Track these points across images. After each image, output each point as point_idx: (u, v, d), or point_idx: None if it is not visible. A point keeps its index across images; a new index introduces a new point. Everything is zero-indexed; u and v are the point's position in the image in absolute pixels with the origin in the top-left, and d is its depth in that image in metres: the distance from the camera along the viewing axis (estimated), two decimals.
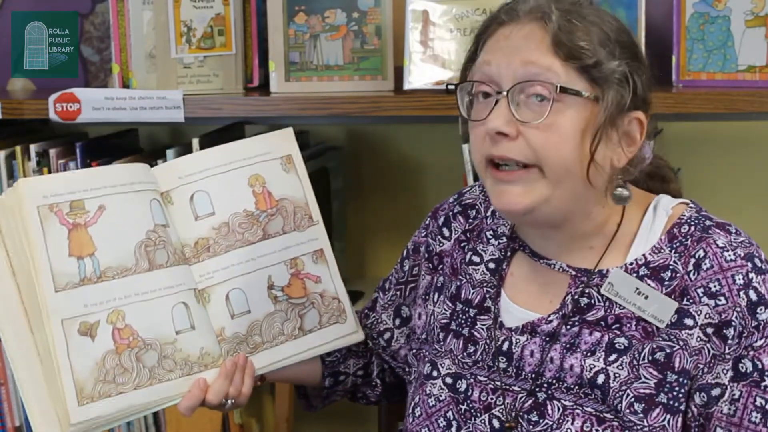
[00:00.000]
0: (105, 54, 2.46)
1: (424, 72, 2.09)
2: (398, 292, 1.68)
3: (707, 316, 1.36)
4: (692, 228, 1.40)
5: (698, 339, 1.36)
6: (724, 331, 1.36)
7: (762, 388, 1.35)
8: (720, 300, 1.36)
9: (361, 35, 2.16)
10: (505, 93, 1.36)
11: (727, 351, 1.36)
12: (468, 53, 1.46)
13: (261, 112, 2.15)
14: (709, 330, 1.36)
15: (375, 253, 2.47)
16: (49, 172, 2.19)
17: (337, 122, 2.44)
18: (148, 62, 2.19)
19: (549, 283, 1.46)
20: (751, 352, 1.35)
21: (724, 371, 1.36)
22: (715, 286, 1.36)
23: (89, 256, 1.45)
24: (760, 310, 1.35)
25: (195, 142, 2.14)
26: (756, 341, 1.35)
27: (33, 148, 2.23)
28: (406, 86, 2.10)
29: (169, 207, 1.54)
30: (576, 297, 1.43)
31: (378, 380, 1.74)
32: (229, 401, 1.50)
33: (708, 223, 1.41)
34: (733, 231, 1.41)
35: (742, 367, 1.36)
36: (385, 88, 2.17)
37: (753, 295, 1.36)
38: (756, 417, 1.35)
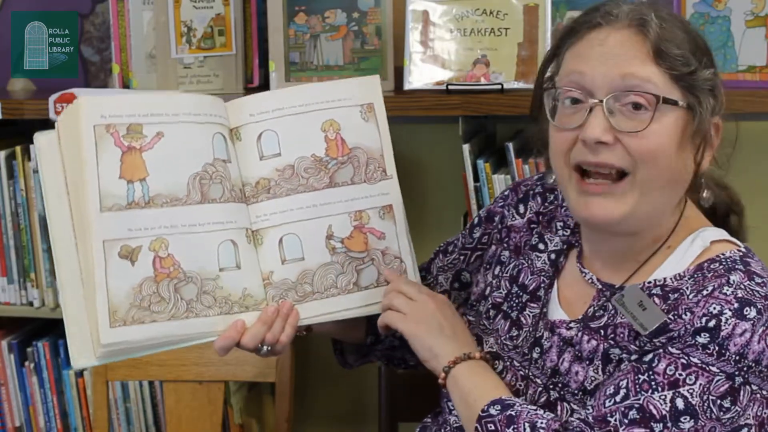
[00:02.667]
0: (105, 54, 2.46)
1: (424, 72, 2.09)
2: (462, 257, 1.67)
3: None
4: (720, 267, 1.36)
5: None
6: (661, 335, 1.34)
7: (636, 376, 1.32)
8: (686, 315, 1.32)
9: (361, 35, 2.16)
10: (601, 101, 1.35)
11: (648, 347, 1.35)
12: (549, 52, 1.46)
13: None
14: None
15: None
16: None
17: None
18: (148, 62, 2.19)
19: (585, 290, 1.47)
20: (661, 351, 1.33)
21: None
22: (694, 306, 1.32)
23: (140, 181, 1.43)
24: (704, 335, 1.30)
25: None
26: (674, 348, 1.32)
27: (33, 148, 2.23)
28: (406, 86, 2.10)
29: (237, 144, 1.51)
30: (596, 310, 1.43)
31: None
32: (265, 347, 1.48)
33: (739, 267, 1.35)
34: (757, 280, 1.34)
35: (646, 357, 1.34)
36: (385, 88, 2.16)
37: (711, 324, 1.30)
38: (610, 389, 1.33)
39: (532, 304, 1.51)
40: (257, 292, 1.48)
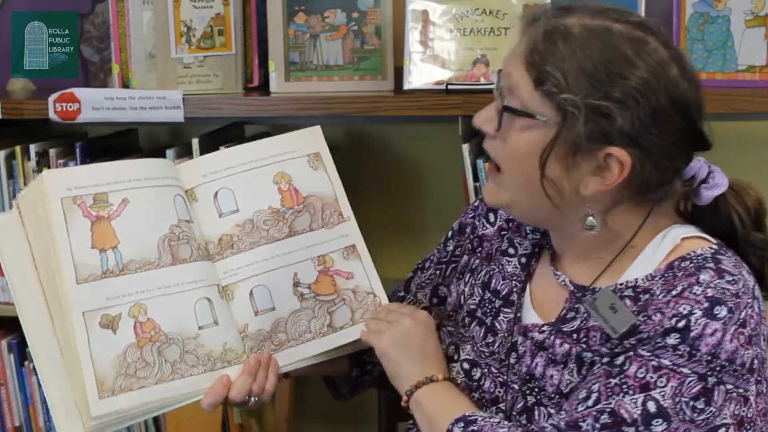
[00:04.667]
0: (105, 54, 2.46)
1: (423, 72, 2.09)
2: (438, 272, 1.68)
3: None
4: (691, 264, 1.34)
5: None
6: (631, 336, 1.33)
7: (607, 380, 1.32)
8: (656, 316, 1.31)
9: (361, 35, 2.16)
10: (496, 86, 1.40)
11: (618, 349, 1.34)
12: None
13: (261, 112, 2.15)
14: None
15: (375, 252, 2.45)
16: None
17: (336, 122, 2.43)
18: (148, 62, 2.19)
19: (557, 292, 1.47)
20: (632, 353, 1.31)
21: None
22: (664, 307, 1.31)
23: (112, 249, 1.45)
24: (674, 336, 1.29)
25: (195, 142, 2.14)
26: (644, 351, 1.31)
27: (33, 148, 2.23)
28: (406, 86, 2.10)
29: (194, 204, 1.54)
30: (567, 312, 1.43)
31: None
32: (253, 398, 1.49)
33: (709, 264, 1.33)
34: (728, 278, 1.31)
35: (617, 360, 1.33)
36: (385, 88, 2.17)
37: (680, 325, 1.28)
38: (582, 394, 1.33)
39: (505, 309, 1.50)
40: (237, 345, 1.50)
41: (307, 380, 2.42)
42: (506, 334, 1.48)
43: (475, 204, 1.66)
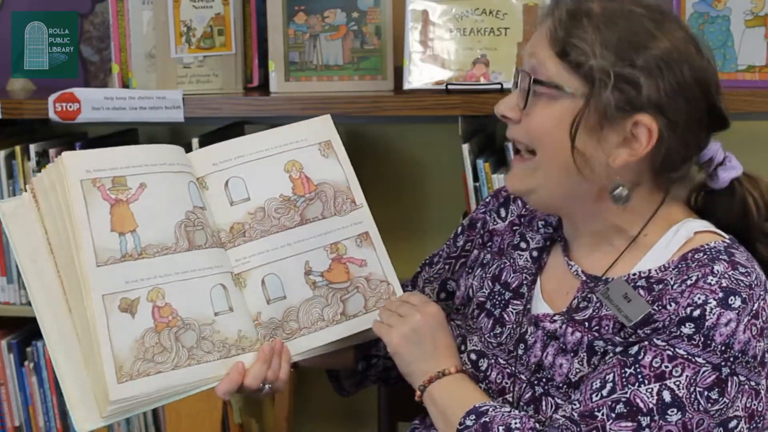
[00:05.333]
0: (105, 54, 2.46)
1: (423, 72, 2.09)
2: (447, 266, 1.69)
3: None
4: (704, 256, 1.36)
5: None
6: (646, 326, 1.34)
7: (623, 370, 1.33)
8: (671, 306, 1.32)
9: (360, 35, 2.16)
10: (514, 81, 1.43)
11: (633, 338, 1.35)
12: None
13: (261, 112, 2.15)
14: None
15: None
16: None
17: (337, 122, 2.43)
18: (148, 62, 2.19)
19: (569, 282, 1.48)
20: (646, 343, 1.33)
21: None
22: (679, 296, 1.32)
23: (131, 233, 1.45)
24: (689, 325, 1.30)
25: (195, 142, 2.14)
26: (659, 340, 1.32)
27: (32, 148, 2.23)
28: (406, 86, 2.10)
29: (205, 192, 1.53)
30: (579, 302, 1.43)
31: None
32: (267, 386, 1.49)
33: (723, 257, 1.35)
34: (741, 270, 1.34)
35: (632, 350, 1.34)
36: (384, 88, 2.17)
37: (695, 314, 1.30)
38: (596, 383, 1.34)
39: (515, 302, 1.52)
40: (251, 333, 1.50)
41: (308, 379, 2.42)
42: (515, 326, 1.49)
43: (487, 199, 1.67)
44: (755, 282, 1.34)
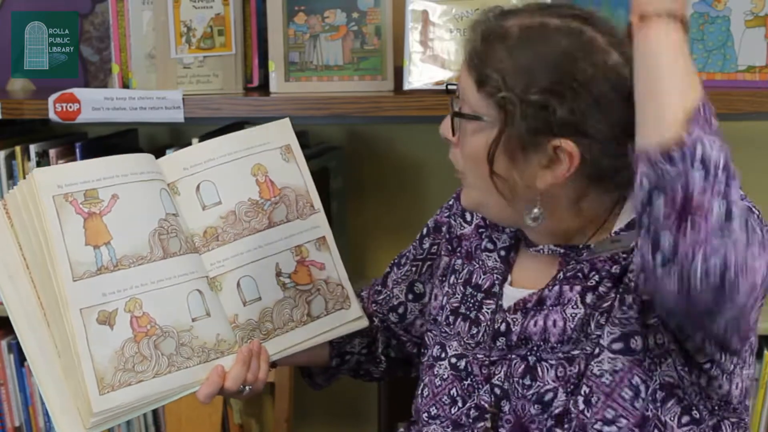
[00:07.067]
0: (105, 54, 2.46)
1: (423, 72, 2.09)
2: (414, 268, 1.70)
3: None
4: None
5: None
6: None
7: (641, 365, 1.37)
8: None
9: (360, 35, 2.16)
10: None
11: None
12: None
13: (261, 112, 2.15)
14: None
15: (375, 252, 2.47)
16: None
17: (337, 122, 2.44)
18: (148, 62, 2.19)
19: (545, 267, 1.48)
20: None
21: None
22: None
23: (105, 245, 1.45)
24: None
25: (195, 142, 2.14)
26: None
27: (33, 148, 2.23)
28: (406, 86, 2.10)
29: (176, 198, 1.54)
30: (566, 272, 1.44)
31: (382, 357, 1.75)
32: (247, 387, 1.51)
33: None
34: None
35: (633, 343, 1.36)
36: (384, 88, 2.17)
37: None
38: (627, 393, 1.37)
39: (487, 301, 1.52)
40: (229, 336, 1.51)
41: None
42: (490, 323, 1.50)
43: (450, 203, 1.68)
44: None
